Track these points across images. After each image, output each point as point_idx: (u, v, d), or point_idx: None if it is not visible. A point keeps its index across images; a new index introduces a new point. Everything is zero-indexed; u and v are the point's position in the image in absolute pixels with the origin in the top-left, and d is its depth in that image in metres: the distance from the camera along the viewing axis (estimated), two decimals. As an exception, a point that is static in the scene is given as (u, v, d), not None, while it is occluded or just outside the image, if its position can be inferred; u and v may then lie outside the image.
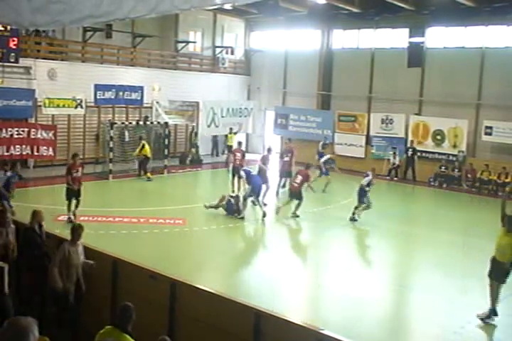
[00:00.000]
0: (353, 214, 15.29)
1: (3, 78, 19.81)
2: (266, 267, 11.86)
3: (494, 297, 8.98)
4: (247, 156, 20.09)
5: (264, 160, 17.31)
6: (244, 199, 15.26)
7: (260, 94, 29.53)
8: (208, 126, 25.74)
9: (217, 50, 28.97)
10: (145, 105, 24.12)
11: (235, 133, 24.39)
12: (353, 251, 13.87)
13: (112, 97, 22.70)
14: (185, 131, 26.79)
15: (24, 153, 19.38)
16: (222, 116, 26.02)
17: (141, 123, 22.79)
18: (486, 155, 22.63)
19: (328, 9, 24.85)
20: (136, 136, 22.33)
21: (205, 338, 6.61)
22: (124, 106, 23.87)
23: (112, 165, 20.55)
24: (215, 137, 27.63)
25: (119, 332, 5.22)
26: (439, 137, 23.48)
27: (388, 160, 23.86)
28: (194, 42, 28.16)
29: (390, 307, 10.21)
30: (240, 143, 20.40)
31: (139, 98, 23.55)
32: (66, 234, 10.14)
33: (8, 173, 13.51)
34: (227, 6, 22.39)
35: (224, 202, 15.38)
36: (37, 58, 21.09)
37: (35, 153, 19.68)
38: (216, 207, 15.46)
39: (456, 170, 22.43)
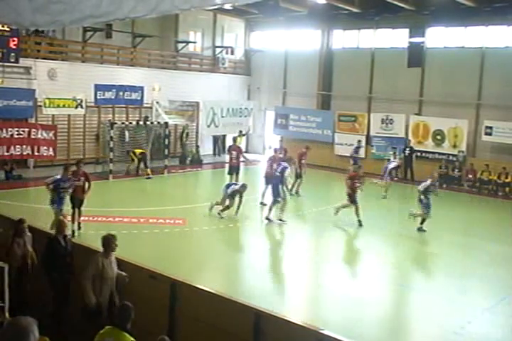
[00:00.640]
0: (421, 224, 14.46)
1: (3, 78, 19.82)
2: (266, 267, 11.86)
3: None
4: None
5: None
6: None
7: (260, 94, 29.53)
8: (208, 126, 25.75)
9: (217, 50, 28.98)
10: (145, 105, 24.14)
11: (244, 135, 24.53)
12: (352, 251, 13.86)
13: (112, 97, 22.71)
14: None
15: (24, 153, 19.38)
16: (222, 116, 26.02)
17: (141, 123, 22.80)
18: (486, 155, 22.62)
19: (328, 9, 24.85)
20: (136, 136, 22.35)
21: (205, 338, 6.61)
22: (124, 106, 23.88)
23: (112, 165, 20.56)
24: (216, 137, 27.67)
25: (118, 331, 5.23)
26: (439, 137, 23.48)
27: (388, 160, 23.84)
28: (194, 42, 28.17)
29: (390, 307, 10.21)
30: (234, 140, 20.22)
31: (139, 98, 23.56)
32: (67, 234, 10.18)
33: (58, 176, 12.59)
34: (227, 6, 22.40)
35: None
36: (37, 58, 21.09)
37: (36, 153, 19.68)
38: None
39: (457, 170, 22.44)
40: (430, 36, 23.59)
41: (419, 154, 23.65)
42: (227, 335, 6.36)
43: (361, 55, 26.03)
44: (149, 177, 20.69)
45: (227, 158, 23.48)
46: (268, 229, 15.02)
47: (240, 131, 24.64)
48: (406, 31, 22.67)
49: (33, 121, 20.59)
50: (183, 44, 27.43)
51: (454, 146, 23.02)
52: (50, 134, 19.86)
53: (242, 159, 19.11)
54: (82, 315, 7.05)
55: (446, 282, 11.24)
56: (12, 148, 18.95)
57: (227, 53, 29.17)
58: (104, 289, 7.03)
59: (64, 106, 21.13)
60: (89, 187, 12.91)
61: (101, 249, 7.17)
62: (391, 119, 24.70)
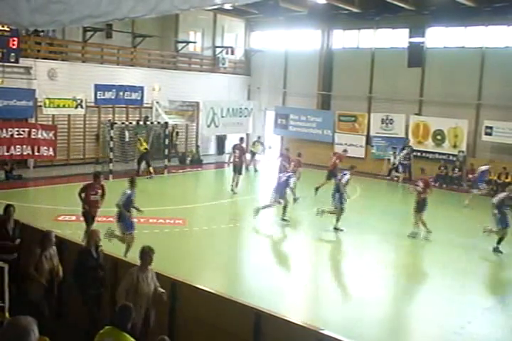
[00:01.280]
0: (497, 243, 13.00)
1: (3, 78, 19.82)
2: (266, 267, 11.85)
3: None
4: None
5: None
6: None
7: (260, 94, 29.53)
8: (208, 126, 25.76)
9: (218, 50, 28.99)
10: (145, 105, 24.14)
11: (261, 144, 24.77)
12: (352, 251, 13.85)
13: (112, 97, 22.71)
14: (185, 131, 26.81)
15: (25, 153, 19.36)
16: (222, 116, 26.02)
17: (141, 123, 22.80)
18: (486, 155, 22.60)
19: (328, 9, 24.85)
20: (137, 136, 22.36)
21: (205, 338, 6.61)
22: (124, 106, 23.88)
23: (112, 165, 20.55)
24: (220, 137, 27.74)
25: (118, 331, 5.22)
26: (439, 137, 23.48)
27: (388, 160, 23.87)
28: (194, 42, 28.17)
29: (390, 308, 10.21)
30: (241, 139, 20.50)
31: (139, 98, 23.56)
32: (67, 234, 10.19)
33: (128, 191, 10.89)
34: (227, 6, 22.39)
35: None
36: (37, 58, 21.09)
37: (36, 153, 19.66)
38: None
39: (457, 170, 22.44)
40: (430, 36, 23.59)
41: (419, 154, 23.66)
42: (227, 335, 6.36)
43: (361, 55, 26.03)
44: (151, 177, 20.69)
45: (226, 157, 23.52)
46: (269, 229, 15.01)
47: (259, 137, 25.13)
48: (406, 31, 22.67)
49: (33, 121, 20.59)
50: (183, 44, 27.44)
51: (454, 146, 23.02)
52: (50, 134, 19.84)
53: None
54: None
55: (446, 282, 11.24)
56: (12, 148, 18.93)
57: (227, 53, 29.18)
58: (138, 306, 6.36)
59: (64, 106, 21.13)
60: (102, 200, 11.68)
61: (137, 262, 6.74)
62: (391, 119, 24.71)
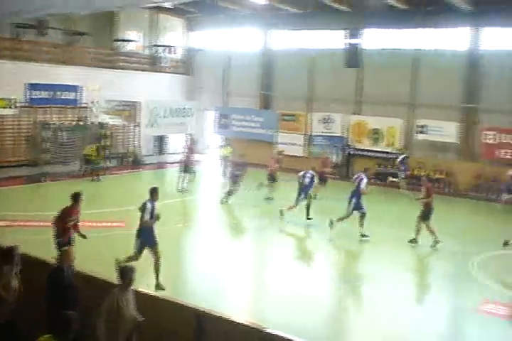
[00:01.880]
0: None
1: None
2: (209, 267, 11.79)
3: None
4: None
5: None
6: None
7: (202, 94, 29.37)
8: (150, 126, 25.38)
9: (158, 49, 28.61)
10: (83, 105, 23.52)
11: (227, 146, 23.85)
12: (298, 249, 13.99)
13: (48, 97, 22.00)
14: (124, 131, 26.28)
15: None
16: (164, 117, 25.71)
17: (79, 123, 22.21)
18: (420, 153, 23.40)
19: (268, 9, 25.03)
20: (74, 137, 21.77)
21: (147, 338, 6.50)
22: (60, 106, 23.14)
23: (48, 168, 19.92)
24: (159, 137, 27.34)
25: (56, 341, 5.00)
26: (376, 136, 24.11)
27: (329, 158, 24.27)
28: (134, 40, 27.68)
29: (335, 303, 10.36)
30: (191, 139, 20.59)
31: (76, 98, 22.94)
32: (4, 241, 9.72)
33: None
34: (166, 5, 22.13)
35: None
36: (-36, 56, 20.13)
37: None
38: None
39: (391, 167, 23.04)
40: (367, 37, 24.11)
41: (358, 153, 24.23)
42: (169, 335, 6.28)
43: (301, 56, 26.32)
44: (97, 180, 20.32)
45: (168, 158, 23.33)
46: (214, 230, 14.95)
47: (227, 140, 24.34)
48: (344, 32, 23.08)
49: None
50: (123, 42, 26.92)
51: (390, 145, 23.70)
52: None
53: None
54: None
55: (391, 278, 11.46)
56: None
57: (168, 53, 28.83)
58: (120, 331, 5.96)
59: (-8, 106, 20.25)
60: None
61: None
62: (331, 119, 25.16)
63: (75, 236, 9.98)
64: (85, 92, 23.32)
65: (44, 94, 21.81)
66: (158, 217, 9.88)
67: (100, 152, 21.41)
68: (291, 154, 24.60)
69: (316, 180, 16.12)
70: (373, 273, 11.83)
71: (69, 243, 9.42)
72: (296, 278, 11.31)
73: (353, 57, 22.93)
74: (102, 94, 24.00)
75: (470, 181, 21.86)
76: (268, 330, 5.66)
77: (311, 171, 16.03)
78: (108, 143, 22.75)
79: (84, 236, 10.04)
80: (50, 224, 10.20)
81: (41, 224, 13.68)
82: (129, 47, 27.47)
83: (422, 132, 23.07)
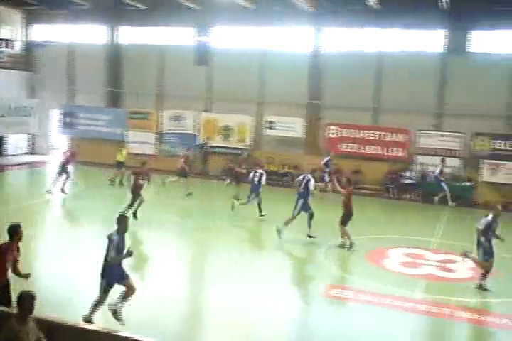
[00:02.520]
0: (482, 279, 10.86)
1: None
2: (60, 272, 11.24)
3: None
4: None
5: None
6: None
7: (45, 92, 27.75)
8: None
9: (-7, 42, 26.54)
10: None
11: (123, 149, 21.83)
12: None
13: None
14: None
15: None
16: (2, 115, 23.93)
17: None
18: (269, 148, 24.35)
19: (114, 4, 24.36)
20: None
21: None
22: None
23: None
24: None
25: None
26: (227, 132, 24.63)
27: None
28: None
29: (189, 303, 10.43)
30: (70, 143, 19.49)
31: None
32: None
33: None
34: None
35: None
36: None
37: None
38: None
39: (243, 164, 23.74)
40: (217, 35, 24.46)
41: (211, 149, 24.57)
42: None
43: (151, 52, 25.98)
44: None
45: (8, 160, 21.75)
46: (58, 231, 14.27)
47: (123, 144, 22.67)
48: (193, 30, 23.18)
49: None
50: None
51: (241, 141, 24.38)
52: None
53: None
54: None
55: (239, 275, 11.79)
56: None
57: (5, 47, 26.80)
58: None
59: None
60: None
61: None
62: (182, 116, 25.20)
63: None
64: None
65: None
66: (129, 254, 7.91)
67: None
68: (143, 153, 24.27)
69: (263, 178, 16.25)
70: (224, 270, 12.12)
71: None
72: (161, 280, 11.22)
73: (202, 55, 23.20)
74: None
75: (317, 175, 23.18)
76: (122, 334, 5.59)
77: (260, 170, 16.38)
78: None
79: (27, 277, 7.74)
80: None
81: None
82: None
83: (270, 128, 24.01)
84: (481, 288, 10.72)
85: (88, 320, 7.77)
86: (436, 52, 21.95)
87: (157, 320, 8.82)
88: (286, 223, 13.85)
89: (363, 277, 11.23)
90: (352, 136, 22.86)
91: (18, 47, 27.86)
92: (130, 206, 14.67)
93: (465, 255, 10.92)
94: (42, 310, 6.58)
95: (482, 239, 10.55)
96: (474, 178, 21.04)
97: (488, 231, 10.53)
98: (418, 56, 22.08)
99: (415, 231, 15.50)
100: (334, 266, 11.98)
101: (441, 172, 20.12)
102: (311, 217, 13.95)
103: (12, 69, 27.14)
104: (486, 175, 20.83)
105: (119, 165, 20.50)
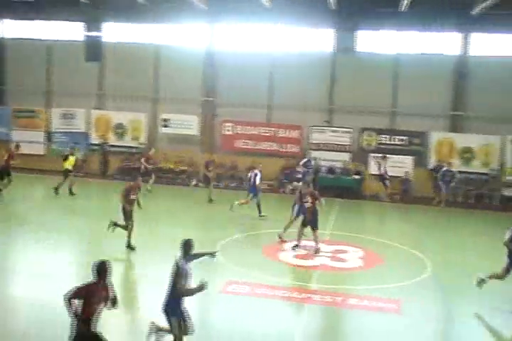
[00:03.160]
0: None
1: None
2: None
3: None
4: None
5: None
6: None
7: None
8: None
9: None
10: None
11: (72, 155, 19.26)
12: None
13: None
14: None
15: None
16: None
17: None
18: (164, 145, 24.07)
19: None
20: None
21: None
22: None
23: None
24: None
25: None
26: (121, 130, 24.03)
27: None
28: None
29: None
30: (16, 146, 18.67)
31: None
32: None
33: None
34: None
35: None
36: None
37: None
38: None
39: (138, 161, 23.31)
40: (108, 31, 23.76)
41: (110, 149, 23.89)
42: None
43: (38, 47, 24.74)
44: None
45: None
46: None
47: (73, 148, 20.20)
48: (84, 24, 22.34)
49: None
50: None
51: (135, 139, 23.89)
52: None
53: None
54: None
55: (129, 274, 11.55)
56: None
57: None
58: None
59: None
60: None
61: None
62: (72, 114, 24.26)
63: None
64: None
65: None
66: (203, 287, 6.84)
67: None
68: (31, 153, 23.09)
69: (257, 178, 16.48)
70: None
71: None
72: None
73: (94, 51, 22.39)
74: None
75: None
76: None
77: (256, 170, 16.70)
78: None
79: None
80: None
81: None
82: None
83: (165, 126, 23.73)
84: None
85: None
86: (327, 51, 22.78)
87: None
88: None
89: (260, 271, 11.38)
90: (247, 133, 23.16)
91: None
92: (127, 228, 12.37)
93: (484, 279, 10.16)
94: None
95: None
96: (363, 171, 22.10)
97: None
98: (310, 55, 22.77)
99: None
100: (231, 261, 12.06)
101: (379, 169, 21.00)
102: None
103: None
104: (373, 168, 21.92)
105: (67, 173, 18.61)
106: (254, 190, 16.55)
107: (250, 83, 23.01)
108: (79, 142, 23.34)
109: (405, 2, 20.36)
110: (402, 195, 21.49)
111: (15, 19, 25.19)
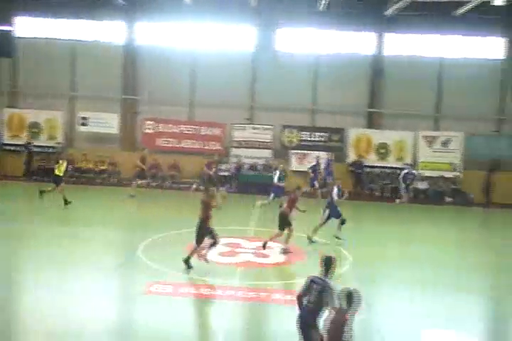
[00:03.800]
0: None
1: None
2: None
3: None
4: None
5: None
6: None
7: None
8: None
9: None
10: None
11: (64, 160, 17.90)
12: None
13: None
14: None
15: None
16: None
17: None
18: (83, 145, 23.39)
19: None
20: None
21: None
22: None
23: None
24: None
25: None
26: (35, 130, 23.13)
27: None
28: None
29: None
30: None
31: None
32: None
33: None
34: None
35: None
36: None
37: None
38: None
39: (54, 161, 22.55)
40: (22, 25, 22.84)
41: (13, 148, 22.91)
42: None
43: None
44: None
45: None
46: None
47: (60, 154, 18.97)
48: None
49: None
50: None
51: (51, 138, 23.07)
52: None
53: None
54: None
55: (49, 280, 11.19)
56: None
57: None
58: None
59: None
60: None
61: None
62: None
63: None
64: None
65: None
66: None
67: None
68: None
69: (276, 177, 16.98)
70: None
71: None
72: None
73: (5, 46, 21.40)
74: None
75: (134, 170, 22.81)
76: None
77: (277, 170, 17.31)
78: None
79: None
80: None
81: None
82: None
83: (84, 124, 23.06)
84: None
85: None
86: (248, 49, 22.91)
87: None
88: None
89: (183, 270, 11.33)
90: (169, 131, 22.93)
91: None
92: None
93: None
94: None
95: None
96: (284, 168, 22.38)
97: None
98: (231, 53, 22.89)
99: (233, 221, 16.04)
100: (154, 261, 11.91)
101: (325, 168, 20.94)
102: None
103: None
104: (294, 164, 22.30)
105: (58, 179, 17.22)
106: (275, 189, 16.93)
107: (172, 81, 22.81)
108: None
109: (323, 2, 20.85)
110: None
111: None
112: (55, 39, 23.27)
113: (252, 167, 22.43)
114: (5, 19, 21.22)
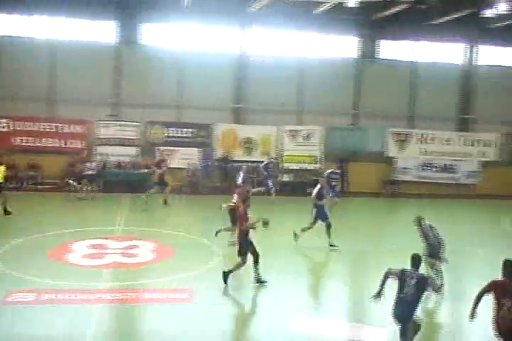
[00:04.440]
0: None
1: None
2: None
3: None
4: None
5: None
6: None
7: None
8: None
9: None
10: None
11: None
12: None
13: None
14: None
15: None
16: None
17: None
18: None
19: None
20: None
21: None
22: None
23: None
24: None
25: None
26: None
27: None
28: None
29: None
30: None
31: None
32: None
33: None
34: None
35: None
36: None
37: None
38: None
39: None
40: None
41: None
42: None
43: None
44: None
45: None
46: None
47: None
48: None
49: None
50: None
51: None
52: None
53: None
54: None
55: None
56: None
57: None
58: None
59: None
60: None
61: None
62: None
63: None
64: None
65: None
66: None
67: None
68: None
69: None
70: None
71: None
72: None
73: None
74: None
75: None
76: None
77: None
78: None
79: None
80: None
81: None
82: None
83: None
84: None
85: None
86: (111, 43, 22.30)
87: None
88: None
89: (46, 276, 10.76)
90: (27, 129, 21.66)
91: None
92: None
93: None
94: None
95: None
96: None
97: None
98: (92, 46, 22.11)
99: (99, 222, 15.60)
100: (13, 268, 11.22)
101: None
102: None
103: None
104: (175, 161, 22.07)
105: None
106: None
107: (30, 75, 21.54)
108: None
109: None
110: (190, 186, 22.03)
111: None
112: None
113: (119, 165, 21.86)
114: None
